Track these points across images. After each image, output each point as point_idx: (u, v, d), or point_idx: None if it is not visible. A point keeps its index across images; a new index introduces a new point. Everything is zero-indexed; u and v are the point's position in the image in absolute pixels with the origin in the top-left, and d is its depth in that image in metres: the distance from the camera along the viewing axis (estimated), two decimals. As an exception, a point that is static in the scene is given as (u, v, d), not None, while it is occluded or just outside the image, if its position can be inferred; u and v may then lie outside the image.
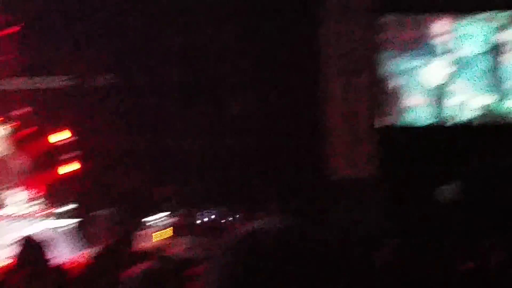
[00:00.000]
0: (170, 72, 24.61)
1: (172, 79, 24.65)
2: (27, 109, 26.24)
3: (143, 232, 21.85)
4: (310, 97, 24.27)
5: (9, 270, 7.88)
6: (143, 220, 22.33)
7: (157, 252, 18.49)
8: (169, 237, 21.67)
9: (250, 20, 23.58)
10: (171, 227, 22.24)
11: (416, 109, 25.50)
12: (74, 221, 24.87)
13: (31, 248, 4.88)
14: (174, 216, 22.87)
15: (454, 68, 25.57)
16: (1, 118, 26.77)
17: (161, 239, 21.30)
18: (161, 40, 24.27)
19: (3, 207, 25.03)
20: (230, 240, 1.51)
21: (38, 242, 4.99)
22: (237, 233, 1.47)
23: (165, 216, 23.03)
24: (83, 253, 20.14)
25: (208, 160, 24.66)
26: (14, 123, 26.76)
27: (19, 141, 27.13)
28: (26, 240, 5.06)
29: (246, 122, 24.48)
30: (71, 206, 25.45)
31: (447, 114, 25.36)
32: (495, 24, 24.98)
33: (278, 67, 24.03)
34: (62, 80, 25.72)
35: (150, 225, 22.34)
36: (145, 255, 6.73)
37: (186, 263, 8.01)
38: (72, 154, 26.13)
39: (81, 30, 24.41)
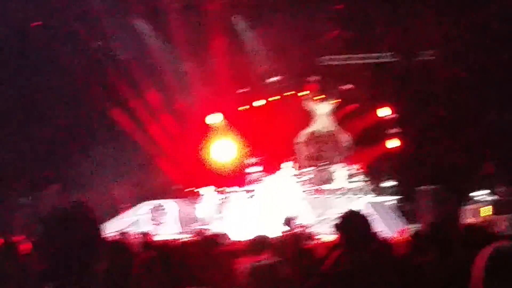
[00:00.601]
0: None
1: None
2: (351, 85, 26.80)
3: (467, 208, 21.28)
4: None
5: (332, 245, 8.02)
6: (467, 196, 21.73)
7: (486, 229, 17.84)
8: (490, 214, 20.84)
9: None
10: (491, 205, 21.36)
11: None
12: (395, 197, 25.04)
13: (357, 223, 4.85)
14: (494, 193, 21.90)
15: None
16: (324, 95, 27.76)
17: (484, 216, 20.57)
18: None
19: (330, 182, 25.98)
20: None
21: (363, 217, 4.92)
22: None
23: (486, 193, 22.16)
24: (404, 229, 20.17)
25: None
26: (338, 100, 27.58)
27: (343, 117, 27.95)
28: (351, 214, 5.02)
29: None
30: (392, 182, 25.57)
31: None
32: None
33: None
34: (384, 56, 25.84)
35: (474, 201, 21.66)
36: (478, 232, 6.32)
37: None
38: (393, 130, 26.21)
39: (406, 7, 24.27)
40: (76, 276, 2.57)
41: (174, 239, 15.86)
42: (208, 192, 23.85)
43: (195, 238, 17.01)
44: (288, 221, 7.16)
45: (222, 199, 24.43)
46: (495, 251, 3.25)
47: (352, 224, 4.95)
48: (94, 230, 2.64)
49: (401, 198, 24.93)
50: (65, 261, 2.56)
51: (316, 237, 19.58)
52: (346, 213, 5.18)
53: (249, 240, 5.61)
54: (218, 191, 24.65)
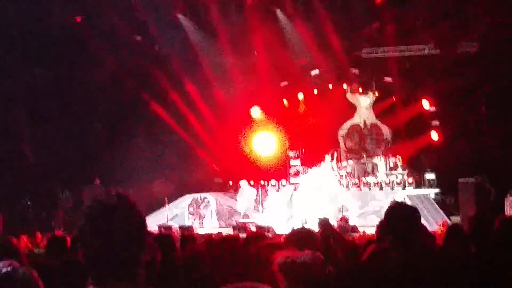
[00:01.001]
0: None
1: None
2: (391, 78, 26.64)
3: (511, 200, 21.05)
4: None
5: (370, 239, 7.96)
6: (510, 188, 21.45)
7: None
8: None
9: None
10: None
11: None
12: (435, 189, 24.86)
13: (404, 216, 4.64)
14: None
15: None
16: (365, 88, 27.64)
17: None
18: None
19: (371, 175, 25.91)
20: None
21: (411, 210, 4.70)
22: None
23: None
24: (444, 222, 20.05)
25: None
26: (379, 92, 27.44)
27: (383, 110, 27.80)
28: (397, 206, 4.82)
29: None
30: (432, 174, 25.38)
31: None
32: None
33: None
34: (425, 49, 25.56)
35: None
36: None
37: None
38: (434, 123, 26.00)
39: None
40: (121, 269, 2.60)
41: (217, 232, 15.95)
42: (245, 186, 23.89)
43: (236, 232, 17.20)
44: (323, 224, 6.75)
45: (262, 192, 24.61)
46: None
47: (399, 217, 4.67)
48: (139, 223, 2.66)
49: (441, 191, 24.76)
50: (110, 254, 2.59)
51: (358, 229, 19.67)
52: (392, 205, 4.95)
53: (290, 233, 5.53)
54: (255, 185, 24.90)
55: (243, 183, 24.04)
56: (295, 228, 5.60)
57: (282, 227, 18.40)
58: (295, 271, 3.61)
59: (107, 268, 2.61)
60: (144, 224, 2.72)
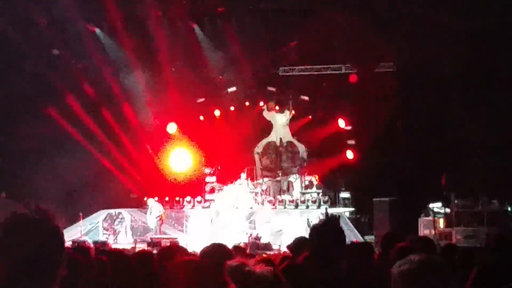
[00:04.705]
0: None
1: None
2: (308, 96, 26.91)
3: (424, 219, 21.48)
4: None
5: (282, 257, 7.90)
6: (425, 208, 21.90)
7: (441, 240, 18.09)
8: (446, 225, 21.08)
9: None
10: (446, 216, 21.58)
11: None
12: (350, 208, 25.18)
13: (332, 232, 4.52)
14: (450, 205, 22.13)
15: None
16: (281, 106, 27.84)
17: (440, 227, 20.83)
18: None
19: (286, 193, 26.02)
20: None
21: (337, 226, 4.60)
22: None
23: (442, 205, 22.36)
24: (355, 241, 20.31)
25: (485, 152, 23.49)
26: (295, 111, 27.64)
27: (299, 129, 28.02)
28: (326, 223, 4.71)
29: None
30: (347, 193, 25.71)
31: None
32: None
33: None
34: (341, 68, 25.97)
35: (430, 213, 21.85)
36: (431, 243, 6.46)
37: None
38: (350, 142, 26.30)
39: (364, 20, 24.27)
40: (38, 283, 2.55)
41: (131, 247, 15.73)
42: (153, 203, 23.54)
43: (150, 248, 16.97)
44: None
45: (177, 208, 24.49)
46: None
47: (327, 234, 4.55)
48: (58, 237, 2.63)
49: (356, 210, 25.07)
50: (28, 267, 2.52)
51: (271, 247, 19.68)
52: (322, 222, 4.82)
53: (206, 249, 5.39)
54: (170, 201, 24.73)
55: (150, 201, 23.67)
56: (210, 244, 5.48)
57: (199, 244, 18.22)
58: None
59: (23, 281, 2.53)
60: (62, 239, 2.67)
